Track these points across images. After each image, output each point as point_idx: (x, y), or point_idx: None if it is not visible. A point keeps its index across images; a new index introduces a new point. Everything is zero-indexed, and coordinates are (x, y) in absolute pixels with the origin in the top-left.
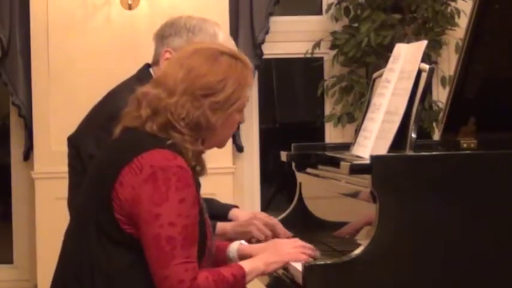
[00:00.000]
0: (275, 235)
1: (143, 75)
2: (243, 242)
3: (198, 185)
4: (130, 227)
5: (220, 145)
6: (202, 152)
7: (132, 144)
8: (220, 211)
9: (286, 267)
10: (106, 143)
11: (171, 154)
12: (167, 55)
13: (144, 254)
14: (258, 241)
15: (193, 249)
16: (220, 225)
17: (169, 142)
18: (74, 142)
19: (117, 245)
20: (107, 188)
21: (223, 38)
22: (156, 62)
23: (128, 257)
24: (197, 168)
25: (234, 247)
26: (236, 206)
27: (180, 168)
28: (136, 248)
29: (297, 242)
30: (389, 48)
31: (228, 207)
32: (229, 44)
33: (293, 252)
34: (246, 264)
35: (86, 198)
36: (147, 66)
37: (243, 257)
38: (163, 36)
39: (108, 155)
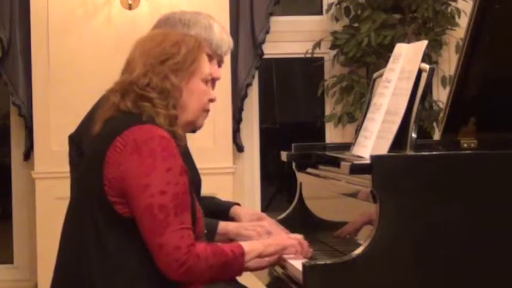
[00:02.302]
0: None
1: None
2: None
3: (198, 183)
4: (124, 207)
5: (196, 122)
6: (176, 117)
7: (111, 128)
8: (221, 208)
9: (285, 267)
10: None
11: (151, 126)
12: None
13: (138, 226)
14: None
15: (187, 215)
16: (223, 225)
17: (145, 117)
18: (76, 140)
19: (114, 228)
20: (97, 175)
21: (218, 29)
22: None
23: (126, 238)
24: (177, 136)
25: None
26: (237, 204)
27: (162, 138)
28: (133, 229)
29: (297, 236)
30: (390, 48)
31: (229, 205)
32: (225, 34)
33: (292, 239)
34: (244, 244)
35: (78, 194)
36: None
37: None
38: None
39: (93, 145)
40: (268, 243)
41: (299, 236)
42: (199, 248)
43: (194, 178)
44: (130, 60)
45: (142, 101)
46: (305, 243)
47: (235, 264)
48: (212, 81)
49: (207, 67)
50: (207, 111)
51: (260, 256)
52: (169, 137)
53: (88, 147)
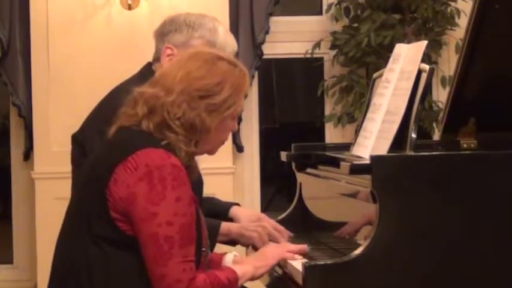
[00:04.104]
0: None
1: (146, 72)
2: (235, 253)
3: (200, 184)
4: (125, 224)
5: (212, 151)
6: (195, 153)
7: (127, 142)
8: (221, 209)
9: (285, 267)
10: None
11: (166, 153)
12: (168, 51)
13: (141, 251)
14: (255, 247)
15: (191, 248)
16: (225, 225)
17: (164, 142)
18: (79, 139)
19: (112, 244)
20: (101, 187)
21: (223, 32)
22: (157, 59)
23: (125, 255)
24: (189, 169)
25: (229, 260)
26: (237, 204)
27: (174, 167)
28: (133, 245)
29: (284, 246)
30: (390, 48)
31: (228, 205)
32: (229, 38)
33: (277, 254)
34: (237, 269)
35: (78, 199)
36: (150, 64)
37: None
38: (163, 33)
39: (102, 154)
40: (259, 266)
41: (286, 245)
42: (199, 281)
43: (196, 179)
44: (171, 78)
45: (167, 130)
46: (294, 247)
47: None
48: None
49: (241, 105)
50: (226, 141)
51: (251, 279)
52: (181, 166)
53: (96, 151)
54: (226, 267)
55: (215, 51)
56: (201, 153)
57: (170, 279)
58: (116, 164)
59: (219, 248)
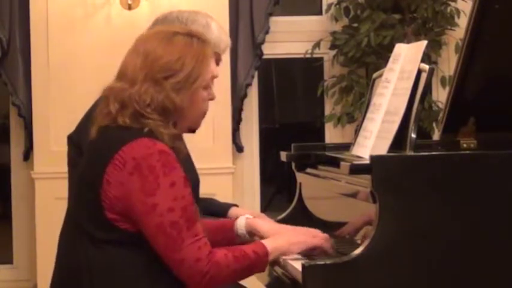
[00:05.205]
0: None
1: None
2: (248, 215)
3: (197, 183)
4: (125, 223)
5: (194, 126)
6: (178, 135)
7: (110, 141)
8: (219, 210)
9: (285, 267)
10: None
11: (150, 141)
12: None
13: (151, 244)
14: None
15: (198, 225)
16: None
17: (145, 130)
18: (75, 139)
19: (111, 244)
20: (95, 190)
21: (216, 28)
22: None
23: (125, 254)
24: (175, 150)
25: (242, 223)
26: (235, 205)
27: (162, 152)
28: (132, 244)
29: (319, 232)
30: (389, 48)
31: (227, 206)
32: (223, 34)
33: (320, 237)
34: (268, 243)
35: (74, 204)
36: None
37: (252, 231)
38: None
39: (89, 157)
40: (294, 242)
41: (322, 234)
42: (219, 255)
43: (193, 178)
44: (131, 67)
45: (143, 119)
46: (331, 240)
47: (259, 264)
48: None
49: (210, 72)
50: (206, 111)
51: (284, 254)
52: (168, 150)
53: (85, 155)
54: (256, 241)
55: (169, 27)
56: (185, 130)
57: (189, 261)
58: (106, 165)
59: None
